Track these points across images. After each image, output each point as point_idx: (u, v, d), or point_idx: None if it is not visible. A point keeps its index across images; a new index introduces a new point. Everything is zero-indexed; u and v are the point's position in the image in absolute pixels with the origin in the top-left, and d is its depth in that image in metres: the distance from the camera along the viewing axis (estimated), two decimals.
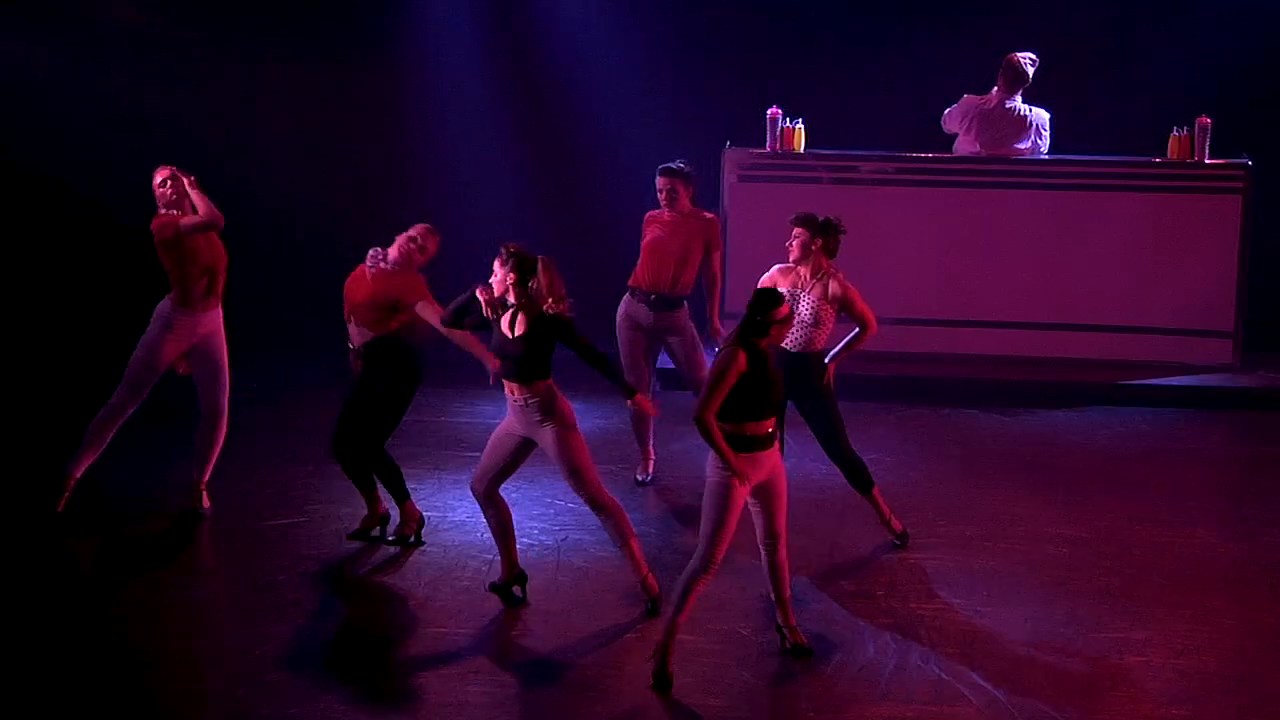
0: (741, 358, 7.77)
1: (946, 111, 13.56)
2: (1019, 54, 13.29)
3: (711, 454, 7.82)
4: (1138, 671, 8.07)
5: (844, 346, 9.52)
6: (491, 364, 8.89)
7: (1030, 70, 13.27)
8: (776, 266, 9.57)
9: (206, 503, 9.96)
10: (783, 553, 8.14)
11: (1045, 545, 9.81)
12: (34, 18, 14.29)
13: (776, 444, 8.10)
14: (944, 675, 7.96)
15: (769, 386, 7.86)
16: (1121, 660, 8.20)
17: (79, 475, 9.83)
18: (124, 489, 10.37)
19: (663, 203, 10.56)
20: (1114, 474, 11.30)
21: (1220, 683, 7.98)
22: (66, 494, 9.82)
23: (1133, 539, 9.96)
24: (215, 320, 9.87)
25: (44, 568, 9.09)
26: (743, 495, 7.88)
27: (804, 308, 9.36)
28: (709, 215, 10.72)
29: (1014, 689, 7.83)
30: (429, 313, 9.29)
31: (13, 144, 14.19)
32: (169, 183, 9.64)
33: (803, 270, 9.43)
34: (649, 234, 10.66)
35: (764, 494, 8.03)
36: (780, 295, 7.93)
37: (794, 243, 9.38)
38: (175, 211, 9.62)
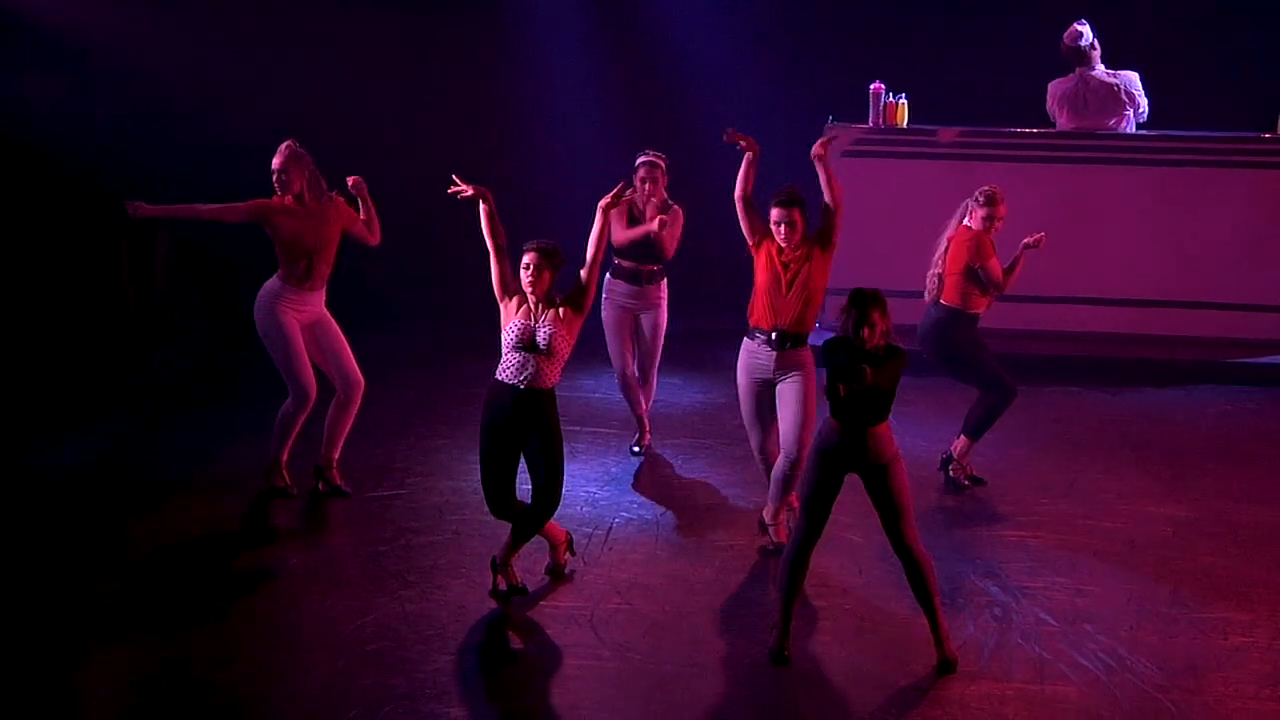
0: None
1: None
2: (1070, 29, 13.16)
3: None
4: (1243, 652, 7.98)
5: None
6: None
7: (1082, 41, 13.11)
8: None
9: (339, 479, 9.95)
10: None
11: (1149, 524, 9.72)
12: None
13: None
14: (1045, 654, 7.90)
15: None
16: (1226, 641, 8.11)
17: (285, 459, 9.93)
18: (229, 463, 10.51)
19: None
20: (1221, 453, 11.18)
21: None
22: (282, 472, 9.92)
23: (1239, 519, 9.85)
24: (318, 303, 9.78)
25: (148, 541, 9.21)
26: None
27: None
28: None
29: (1115, 668, 7.77)
30: None
31: (143, 137, 14.31)
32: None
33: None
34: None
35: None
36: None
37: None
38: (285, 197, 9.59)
